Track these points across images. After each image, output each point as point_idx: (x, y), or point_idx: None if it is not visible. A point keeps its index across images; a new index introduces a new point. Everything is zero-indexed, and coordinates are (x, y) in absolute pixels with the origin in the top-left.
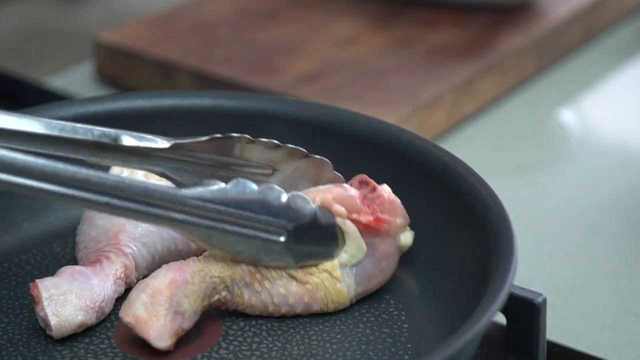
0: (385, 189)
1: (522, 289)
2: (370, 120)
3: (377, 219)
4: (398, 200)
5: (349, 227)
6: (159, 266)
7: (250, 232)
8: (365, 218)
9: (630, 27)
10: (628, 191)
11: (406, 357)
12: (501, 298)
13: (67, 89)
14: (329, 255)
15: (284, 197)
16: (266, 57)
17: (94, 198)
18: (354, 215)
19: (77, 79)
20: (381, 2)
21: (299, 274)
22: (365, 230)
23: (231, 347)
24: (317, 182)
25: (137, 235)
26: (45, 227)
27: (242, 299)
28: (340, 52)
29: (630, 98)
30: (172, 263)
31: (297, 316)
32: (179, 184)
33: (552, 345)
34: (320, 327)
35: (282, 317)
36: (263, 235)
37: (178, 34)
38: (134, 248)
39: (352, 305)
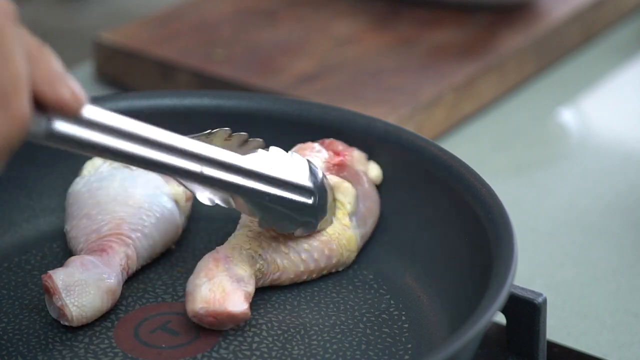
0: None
1: (522, 289)
2: (370, 120)
3: (336, 153)
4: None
5: (331, 179)
6: (156, 257)
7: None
8: (329, 161)
9: (630, 27)
10: (628, 191)
11: (406, 357)
12: (501, 298)
13: None
14: (326, 213)
15: (305, 162)
16: (266, 57)
17: (188, 166)
18: (324, 168)
19: (77, 79)
20: (381, 2)
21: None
22: (339, 172)
23: (231, 347)
24: None
25: (138, 227)
26: (45, 227)
27: (277, 264)
28: (340, 52)
29: (630, 98)
30: (204, 256)
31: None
32: None
33: (552, 345)
34: (320, 327)
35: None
36: (298, 198)
37: (178, 34)
38: (136, 239)
39: (352, 305)
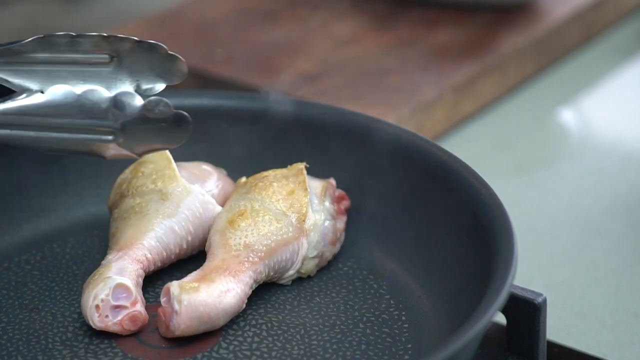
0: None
1: (522, 289)
2: (370, 120)
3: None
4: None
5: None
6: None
7: (77, 136)
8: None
9: (630, 27)
10: (628, 191)
11: (406, 357)
12: (501, 298)
13: None
14: (174, 143)
15: (106, 98)
16: (266, 57)
17: None
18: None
19: None
20: (381, 2)
21: None
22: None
23: (231, 347)
24: (152, 66)
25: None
26: (45, 227)
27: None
28: (340, 52)
29: (630, 98)
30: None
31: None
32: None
33: (552, 345)
34: (320, 327)
35: (283, 309)
36: (90, 136)
37: (178, 34)
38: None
39: (352, 305)
